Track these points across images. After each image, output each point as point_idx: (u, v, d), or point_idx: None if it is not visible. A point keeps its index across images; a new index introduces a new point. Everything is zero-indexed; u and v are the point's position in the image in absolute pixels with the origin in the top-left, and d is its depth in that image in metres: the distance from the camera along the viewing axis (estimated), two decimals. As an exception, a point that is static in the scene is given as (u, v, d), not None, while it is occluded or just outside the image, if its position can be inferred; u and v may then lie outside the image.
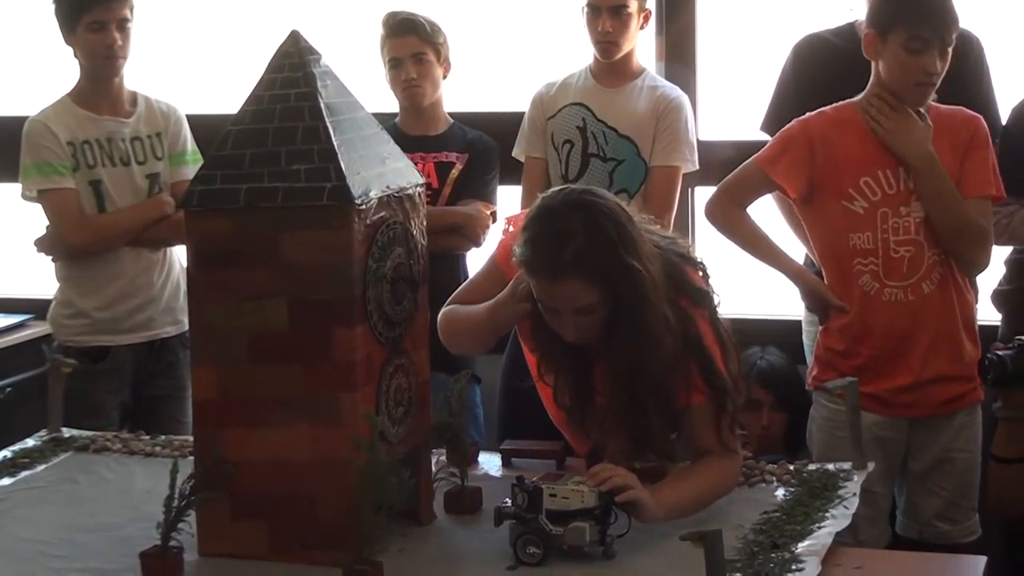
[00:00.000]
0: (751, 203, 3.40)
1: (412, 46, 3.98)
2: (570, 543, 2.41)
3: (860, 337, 3.30)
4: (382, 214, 2.49)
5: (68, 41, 3.87)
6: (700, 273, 2.75)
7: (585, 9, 3.86)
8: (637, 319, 2.54)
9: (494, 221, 4.01)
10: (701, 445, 2.68)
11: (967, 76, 3.51)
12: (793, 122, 3.35)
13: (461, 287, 2.94)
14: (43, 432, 3.21)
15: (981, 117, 3.31)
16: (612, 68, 3.93)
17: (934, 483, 3.37)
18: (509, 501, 2.47)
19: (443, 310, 2.88)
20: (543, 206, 2.57)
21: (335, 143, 2.42)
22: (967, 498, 3.38)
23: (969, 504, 3.38)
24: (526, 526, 2.43)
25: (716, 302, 2.72)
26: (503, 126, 4.11)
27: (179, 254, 3.99)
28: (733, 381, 2.68)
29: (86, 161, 3.85)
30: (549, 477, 2.50)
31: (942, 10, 3.16)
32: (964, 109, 3.31)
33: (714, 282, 2.75)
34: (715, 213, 3.41)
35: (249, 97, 2.51)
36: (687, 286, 2.66)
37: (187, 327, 3.89)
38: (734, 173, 3.41)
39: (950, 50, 3.17)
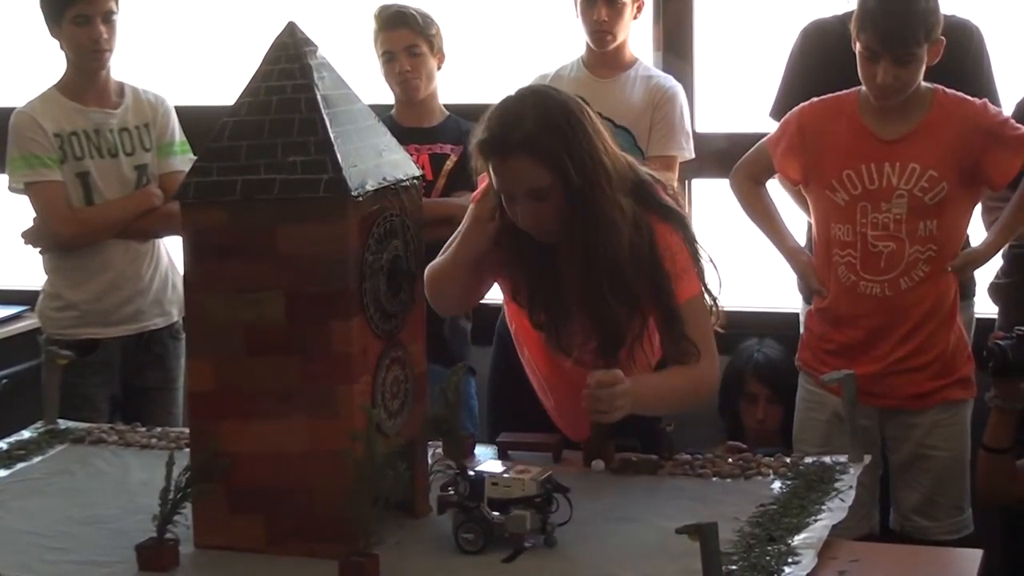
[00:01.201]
0: (766, 180, 3.49)
1: (405, 39, 3.97)
2: (511, 531, 2.41)
3: (833, 324, 3.35)
4: (378, 206, 2.48)
5: (54, 34, 3.85)
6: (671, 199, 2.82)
7: (579, -2, 3.85)
8: (589, 203, 2.63)
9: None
10: (666, 349, 2.77)
11: (967, 67, 3.51)
12: (794, 108, 3.36)
13: (443, 248, 2.92)
14: (39, 424, 3.19)
15: (985, 102, 3.31)
16: (605, 58, 3.92)
17: (912, 478, 3.40)
18: (452, 490, 2.48)
19: (425, 270, 2.85)
20: (502, 99, 2.69)
21: (331, 135, 2.41)
22: (948, 496, 3.38)
23: (951, 502, 3.39)
24: (468, 514, 2.44)
25: (688, 223, 2.78)
26: (498, 118, 4.09)
27: (168, 246, 3.98)
28: (711, 298, 2.78)
29: (73, 153, 3.84)
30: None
31: (895, 26, 3.13)
32: (967, 100, 3.29)
33: (687, 209, 2.86)
34: (733, 184, 3.52)
35: (245, 88, 2.49)
36: (655, 201, 2.75)
37: (176, 319, 3.93)
38: (751, 150, 3.49)
39: (915, 59, 3.15)
